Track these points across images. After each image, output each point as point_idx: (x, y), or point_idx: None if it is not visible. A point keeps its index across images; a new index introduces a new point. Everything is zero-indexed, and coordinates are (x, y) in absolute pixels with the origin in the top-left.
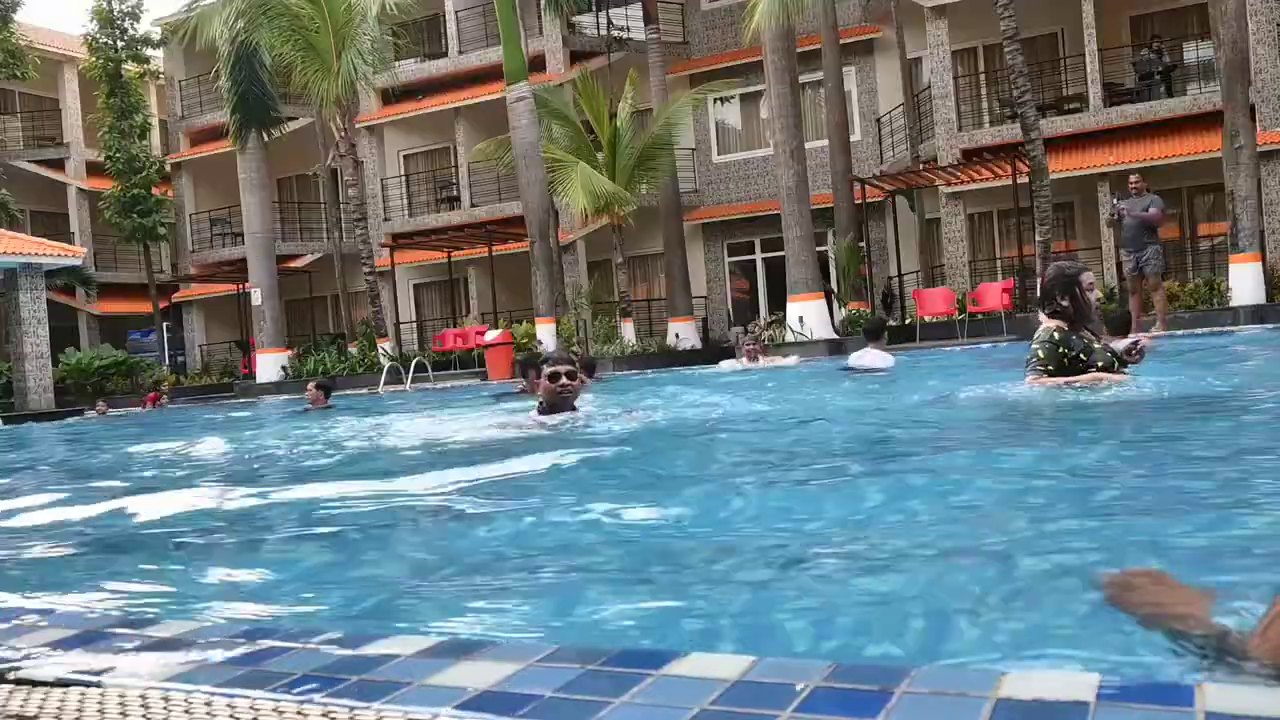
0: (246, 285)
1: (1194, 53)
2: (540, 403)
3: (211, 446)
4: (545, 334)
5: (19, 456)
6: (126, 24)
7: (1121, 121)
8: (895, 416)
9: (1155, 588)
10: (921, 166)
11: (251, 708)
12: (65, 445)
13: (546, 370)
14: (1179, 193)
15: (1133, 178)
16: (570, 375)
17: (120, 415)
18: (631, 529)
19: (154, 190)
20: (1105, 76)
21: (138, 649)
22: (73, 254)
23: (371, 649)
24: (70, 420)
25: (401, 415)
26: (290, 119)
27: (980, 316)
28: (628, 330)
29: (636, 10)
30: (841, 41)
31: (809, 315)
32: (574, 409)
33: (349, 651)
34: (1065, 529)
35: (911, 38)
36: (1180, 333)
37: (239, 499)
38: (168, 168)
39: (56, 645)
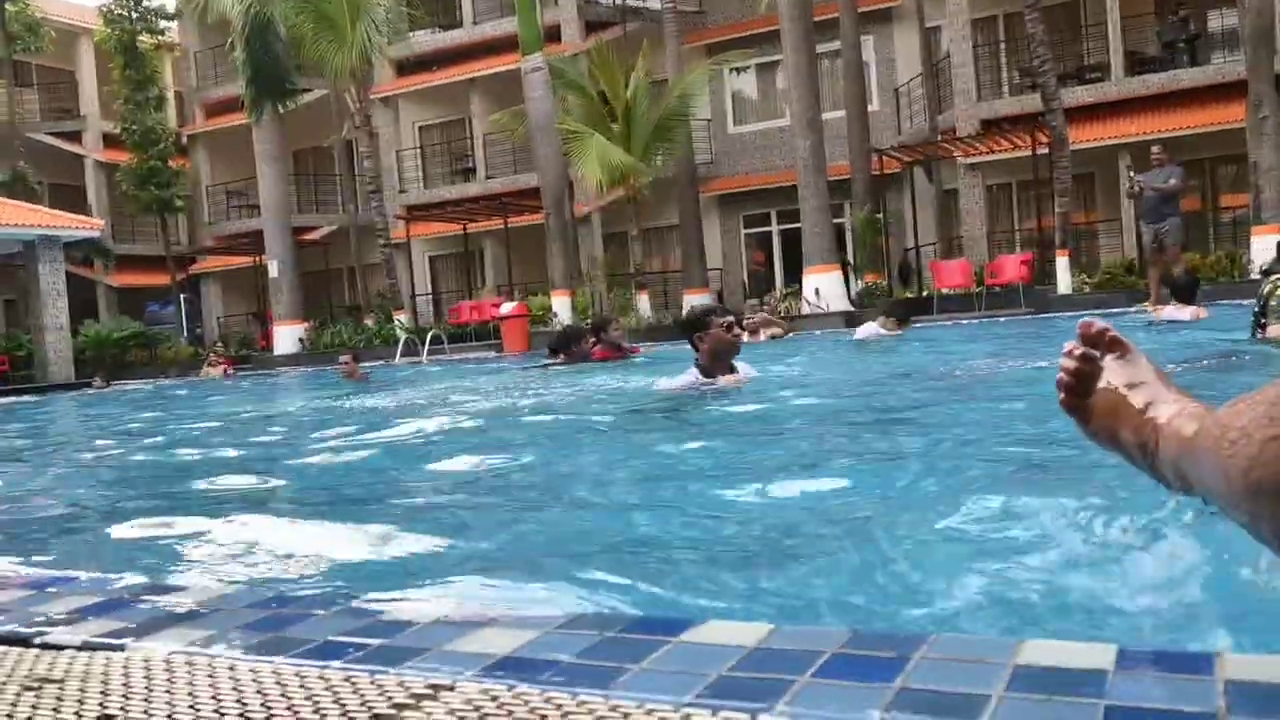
0: (263, 258)
1: (1218, 21)
2: (697, 361)
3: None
4: (561, 306)
5: (27, 428)
6: None
7: (1144, 91)
8: None
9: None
10: (939, 137)
11: (274, 672)
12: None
13: (719, 321)
14: (1201, 164)
15: (1155, 149)
16: (739, 325)
17: (126, 388)
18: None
19: (170, 163)
20: (1127, 45)
21: (161, 615)
22: (91, 226)
23: (391, 615)
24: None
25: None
26: (305, 91)
27: (998, 289)
28: (643, 303)
29: None
30: (859, 10)
31: (825, 287)
32: (733, 368)
33: (370, 619)
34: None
35: (930, 6)
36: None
37: (284, 467)
38: (184, 140)
39: (81, 612)
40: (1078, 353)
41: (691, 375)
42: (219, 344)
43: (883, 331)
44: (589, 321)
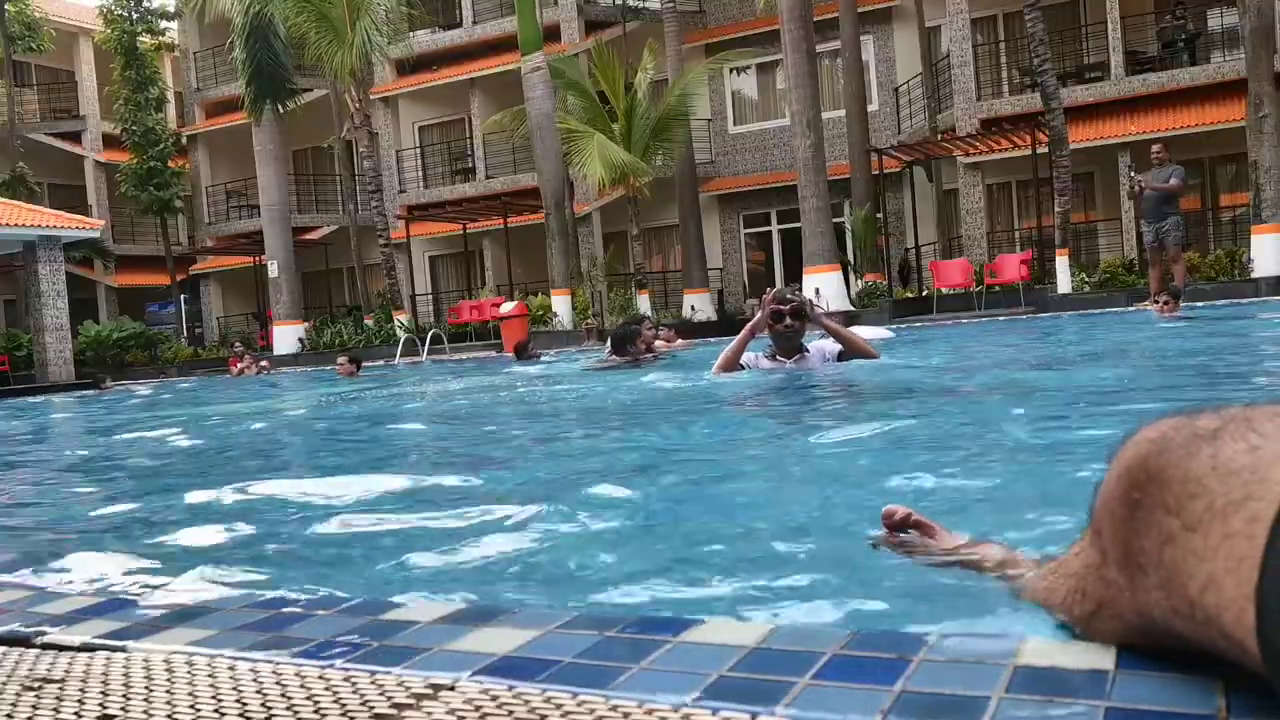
0: (263, 258)
1: (1218, 20)
2: (768, 346)
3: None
4: (561, 306)
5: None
6: None
7: (1143, 90)
8: None
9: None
10: (939, 137)
11: (274, 672)
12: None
13: (770, 308)
14: (1201, 163)
15: (1155, 147)
16: (795, 314)
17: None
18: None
19: (170, 163)
20: (1127, 44)
21: (161, 616)
22: (90, 226)
23: (391, 615)
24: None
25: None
26: (305, 90)
27: (998, 289)
28: (643, 302)
29: None
30: (859, 9)
31: (825, 287)
32: (803, 350)
33: (369, 618)
34: None
35: (930, 5)
36: (1200, 304)
37: (312, 466)
38: (184, 140)
39: (82, 612)
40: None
41: (761, 356)
42: (238, 345)
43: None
44: (589, 322)
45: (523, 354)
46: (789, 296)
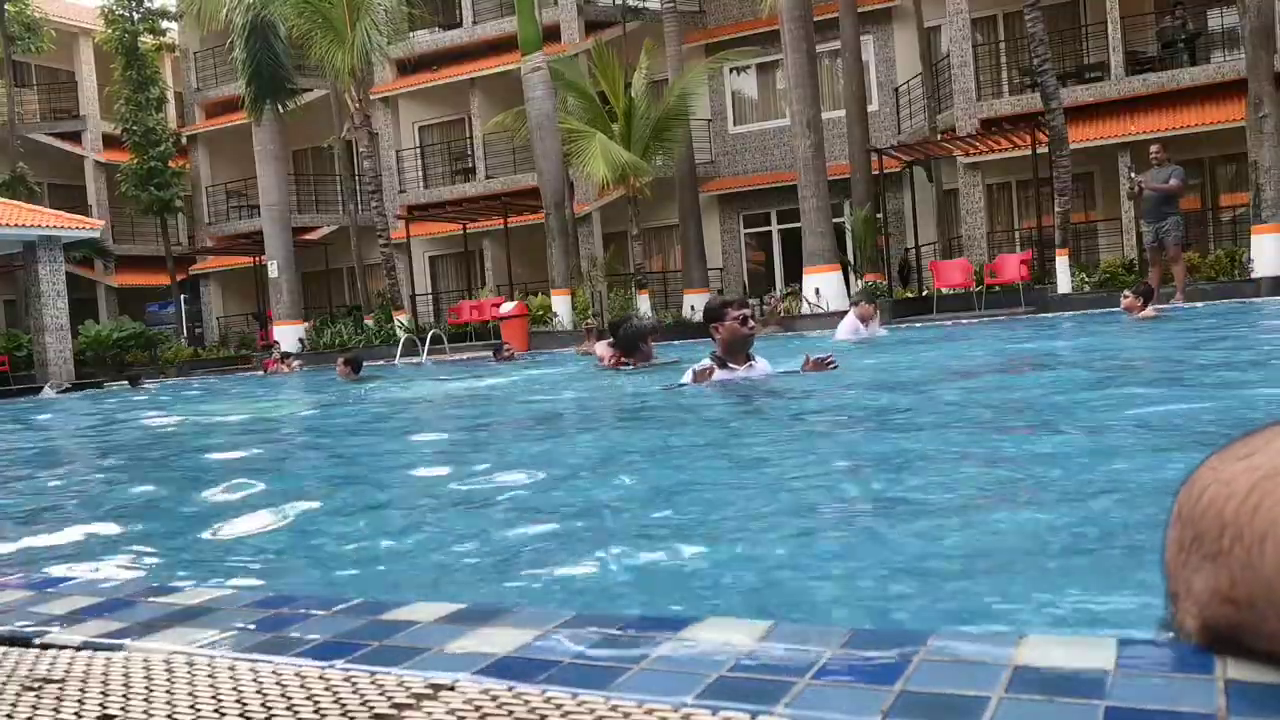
0: (263, 258)
1: (1218, 20)
2: (713, 352)
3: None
4: (561, 306)
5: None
6: None
7: (1143, 90)
8: None
9: None
10: (939, 137)
11: (274, 672)
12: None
13: (733, 313)
14: (1201, 163)
15: (1154, 148)
16: (753, 317)
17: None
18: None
19: (170, 163)
20: (1127, 44)
21: (161, 616)
22: (90, 226)
23: (392, 615)
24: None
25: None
26: (305, 90)
27: (998, 289)
28: (643, 303)
29: None
30: (859, 9)
31: (825, 287)
32: (750, 358)
33: (369, 618)
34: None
35: (930, 5)
36: (1200, 304)
37: (285, 464)
38: (184, 140)
39: (82, 612)
40: None
41: (707, 365)
42: (279, 347)
43: (864, 330)
44: (589, 322)
45: (498, 354)
46: (745, 300)
